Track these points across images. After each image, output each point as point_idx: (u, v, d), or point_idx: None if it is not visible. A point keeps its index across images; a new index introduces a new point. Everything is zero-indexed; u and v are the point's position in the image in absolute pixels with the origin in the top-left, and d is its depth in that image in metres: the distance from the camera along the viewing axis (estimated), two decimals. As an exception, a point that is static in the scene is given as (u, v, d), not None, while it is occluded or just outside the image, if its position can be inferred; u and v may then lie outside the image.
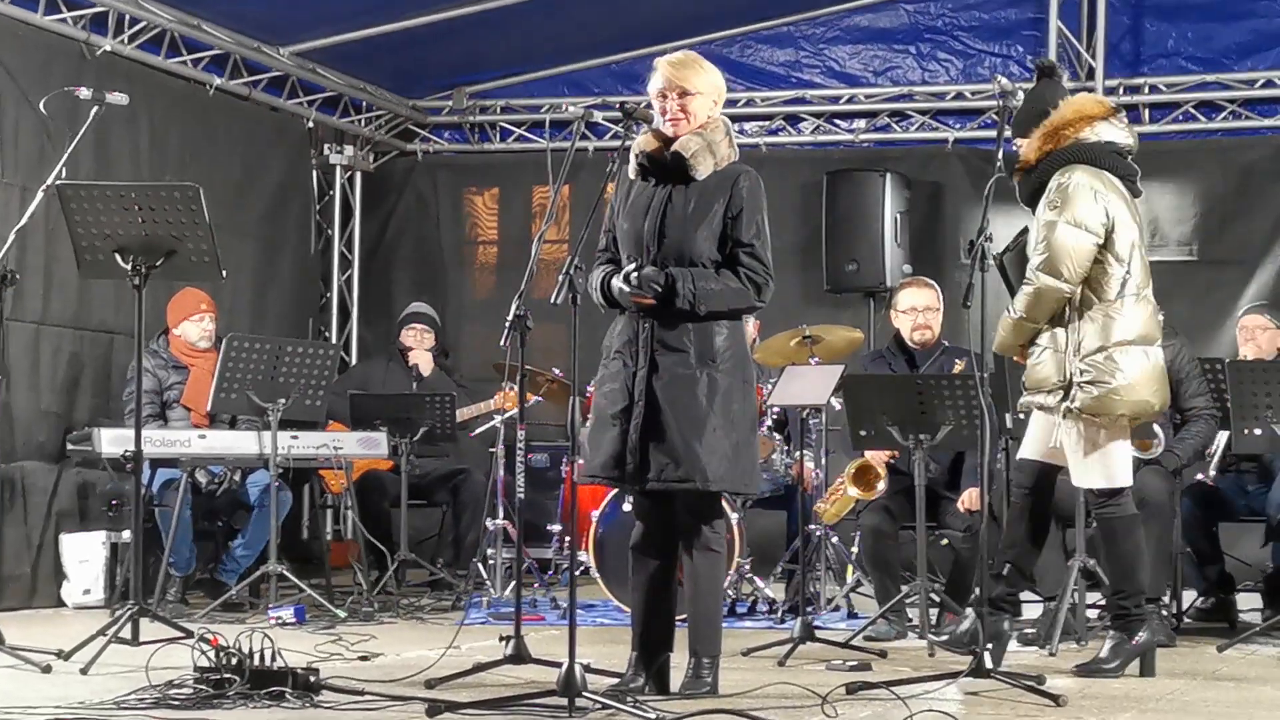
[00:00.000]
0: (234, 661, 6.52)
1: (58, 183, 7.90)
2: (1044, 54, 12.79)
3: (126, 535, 9.81)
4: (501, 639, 7.03)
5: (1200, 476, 9.61)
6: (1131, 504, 7.54)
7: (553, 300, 6.53)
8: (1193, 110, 12.76)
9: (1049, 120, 7.53)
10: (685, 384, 6.68)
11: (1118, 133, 7.53)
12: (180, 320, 10.40)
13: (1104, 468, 7.45)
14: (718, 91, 6.88)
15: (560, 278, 6.54)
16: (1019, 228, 12.41)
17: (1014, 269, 7.66)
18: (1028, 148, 7.59)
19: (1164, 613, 8.89)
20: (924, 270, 11.48)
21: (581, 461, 7.19)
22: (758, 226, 6.79)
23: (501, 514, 10.67)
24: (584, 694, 6.25)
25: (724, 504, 7.06)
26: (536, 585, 10.76)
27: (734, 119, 6.88)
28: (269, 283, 12.86)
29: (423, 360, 11.94)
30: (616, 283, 6.70)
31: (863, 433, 8.72)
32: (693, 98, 6.78)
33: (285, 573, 9.63)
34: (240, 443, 9.94)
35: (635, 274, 6.64)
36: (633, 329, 6.77)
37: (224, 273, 8.09)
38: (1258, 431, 8.29)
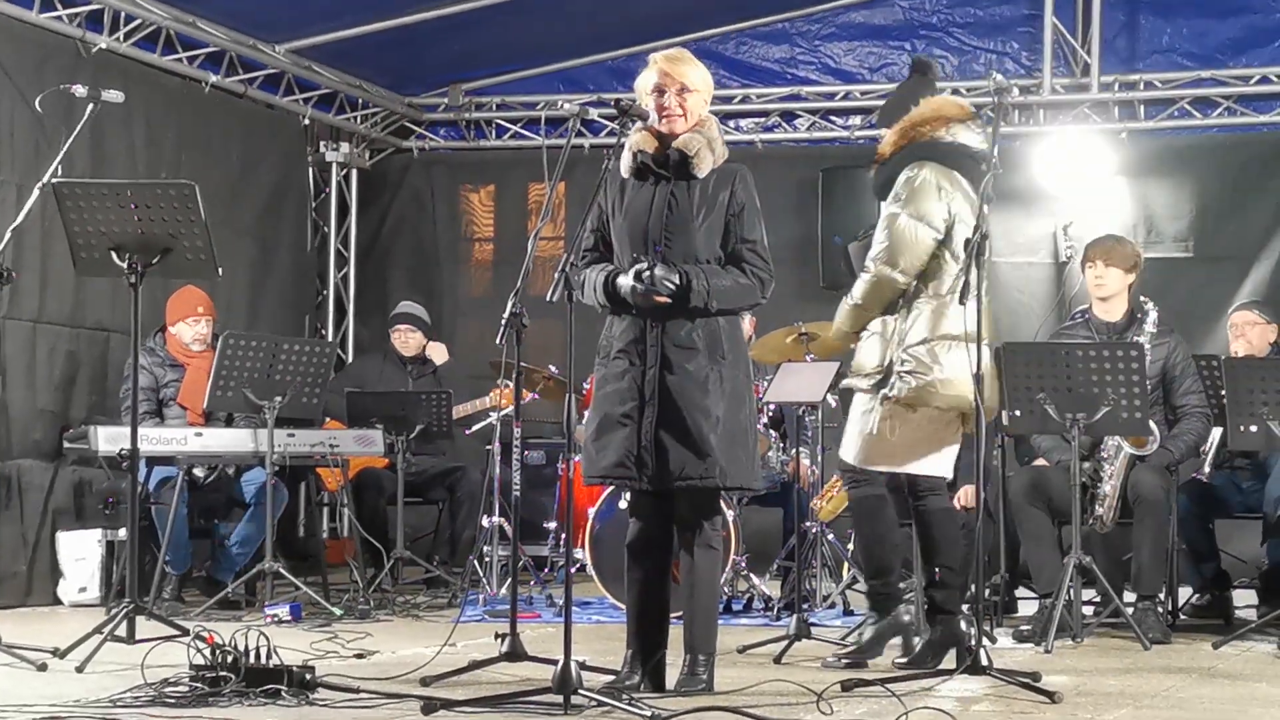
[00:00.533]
0: (230, 659, 6.52)
1: (53, 180, 7.89)
2: (1039, 51, 12.82)
3: (123, 533, 9.80)
4: (497, 636, 7.03)
5: (1196, 474, 9.62)
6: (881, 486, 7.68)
7: (549, 298, 6.52)
8: (1188, 106, 12.76)
9: (907, 117, 7.68)
10: (699, 381, 6.70)
11: (973, 137, 7.63)
12: (177, 320, 10.40)
13: (925, 455, 7.53)
14: (709, 89, 6.91)
15: (556, 275, 6.54)
16: (1017, 224, 12.48)
17: (858, 258, 7.79)
18: (885, 141, 7.76)
19: (1160, 609, 8.90)
20: (920, 267, 11.44)
21: (578, 460, 7.17)
22: (757, 223, 6.82)
23: (497, 511, 10.66)
24: (579, 691, 6.25)
25: (720, 501, 7.06)
26: (532, 583, 10.76)
27: (729, 116, 6.91)
28: (265, 280, 12.86)
29: (436, 354, 11.98)
30: (626, 281, 6.69)
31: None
32: (691, 94, 6.79)
33: (281, 570, 9.64)
34: (237, 440, 9.94)
35: (648, 273, 6.64)
36: (638, 328, 6.76)
37: (220, 270, 8.08)
38: (1254, 429, 8.29)
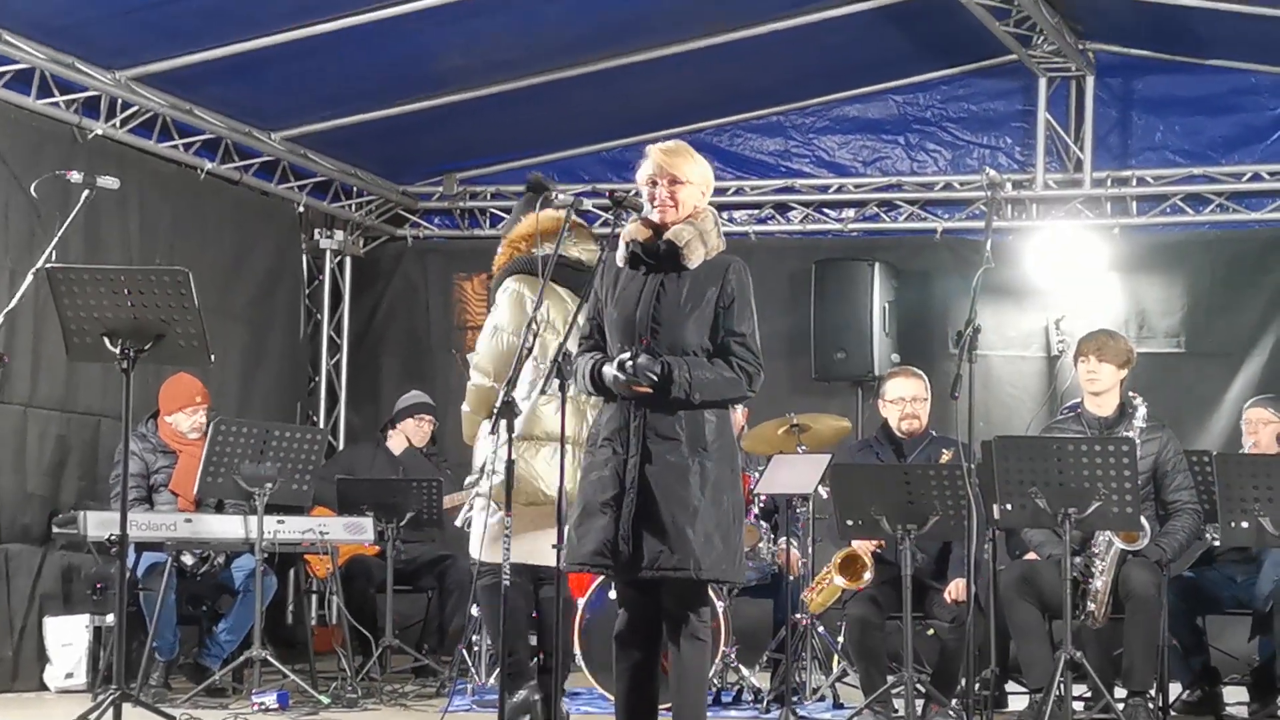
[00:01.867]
0: (216, 748, 6.49)
1: (48, 266, 7.90)
2: (1033, 146, 12.88)
3: (110, 619, 9.76)
4: (485, 727, 7.01)
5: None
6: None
7: (542, 389, 6.53)
8: (1180, 203, 12.81)
9: (511, 233, 8.37)
10: (678, 472, 6.66)
11: (567, 247, 7.99)
12: (174, 409, 10.39)
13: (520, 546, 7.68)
14: (706, 182, 6.90)
15: (547, 366, 6.54)
16: (1009, 318, 12.53)
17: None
18: (497, 259, 8.35)
19: (1151, 705, 8.86)
20: (912, 360, 11.48)
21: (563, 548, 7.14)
22: (748, 316, 6.81)
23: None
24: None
25: (710, 592, 7.03)
26: (521, 673, 10.69)
27: (723, 207, 6.92)
28: (257, 366, 12.86)
29: (416, 437, 11.99)
30: (610, 371, 6.70)
31: (850, 522, 8.71)
32: (682, 186, 6.80)
33: (269, 658, 9.58)
34: (226, 527, 9.91)
35: (631, 362, 6.64)
36: (623, 417, 6.75)
37: (212, 357, 8.08)
38: (1245, 524, 8.28)
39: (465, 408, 8.22)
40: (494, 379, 8.00)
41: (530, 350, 7.52)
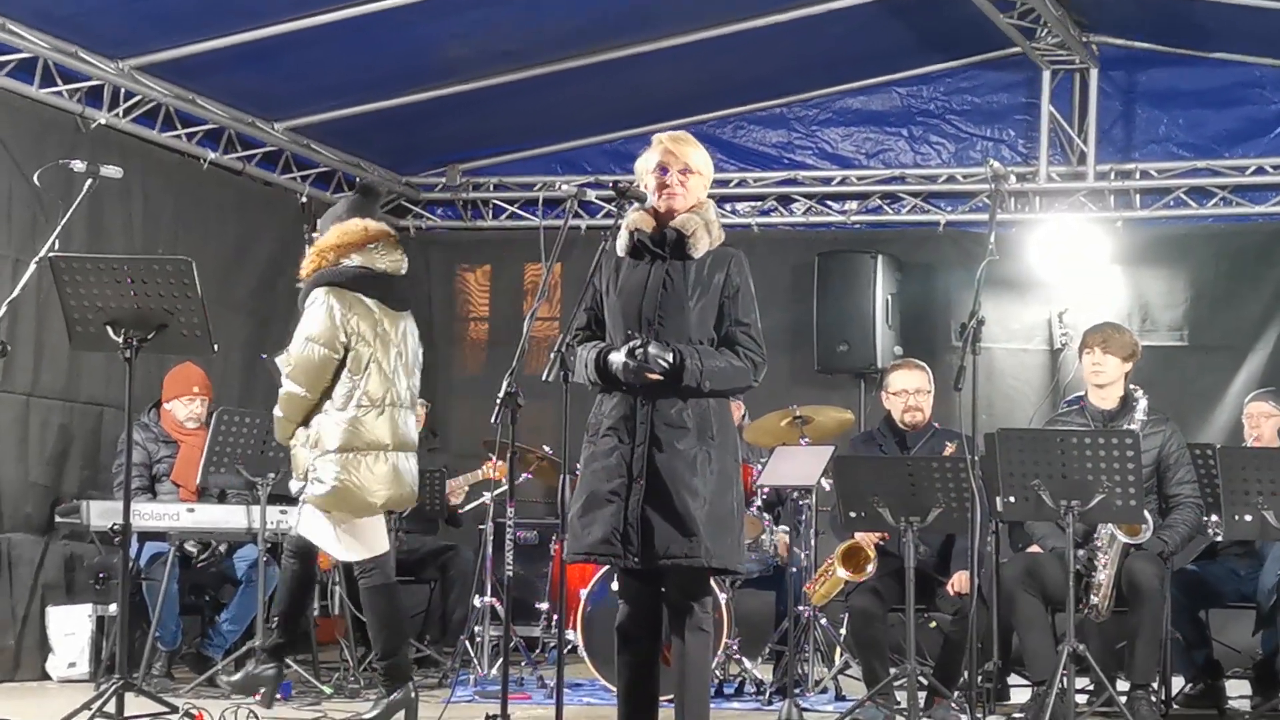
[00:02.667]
0: (219, 737, 6.49)
1: (50, 255, 7.89)
2: (1036, 139, 12.87)
3: (113, 609, 9.77)
4: (488, 718, 6.99)
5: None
6: (387, 572, 8.37)
7: (544, 378, 6.53)
8: (1184, 196, 12.79)
9: (318, 242, 8.35)
10: (687, 460, 6.66)
11: (374, 259, 8.19)
12: (172, 397, 10.40)
13: (356, 543, 8.22)
14: (710, 173, 6.93)
15: (552, 355, 6.54)
16: (1012, 310, 12.53)
17: (277, 372, 8.38)
18: (305, 262, 8.33)
19: (1153, 699, 8.86)
20: (915, 352, 11.47)
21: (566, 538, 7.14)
22: (751, 306, 6.81)
23: (489, 591, 10.63)
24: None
25: (713, 583, 7.02)
26: (523, 663, 10.71)
27: (726, 199, 6.92)
28: (260, 356, 12.84)
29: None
30: (618, 358, 6.68)
31: (853, 514, 8.70)
32: (693, 175, 6.82)
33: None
34: (229, 517, 9.91)
35: (641, 350, 6.63)
36: (628, 406, 6.74)
37: (215, 346, 8.08)
38: (1248, 518, 8.27)
39: (278, 412, 8.25)
40: (306, 389, 8.08)
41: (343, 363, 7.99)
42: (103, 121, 11.01)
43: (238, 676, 8.49)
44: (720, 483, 6.69)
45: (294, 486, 8.28)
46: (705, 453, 6.68)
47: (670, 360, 6.61)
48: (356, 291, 8.02)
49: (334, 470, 7.99)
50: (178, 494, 10.23)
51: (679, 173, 6.80)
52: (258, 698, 8.29)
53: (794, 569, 9.80)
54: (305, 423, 8.13)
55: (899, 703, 8.88)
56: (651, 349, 6.62)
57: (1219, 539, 9.52)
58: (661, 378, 6.63)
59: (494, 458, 10.55)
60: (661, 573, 6.71)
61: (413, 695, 8.18)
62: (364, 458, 8.04)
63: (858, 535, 9.27)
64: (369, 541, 8.26)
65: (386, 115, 12.59)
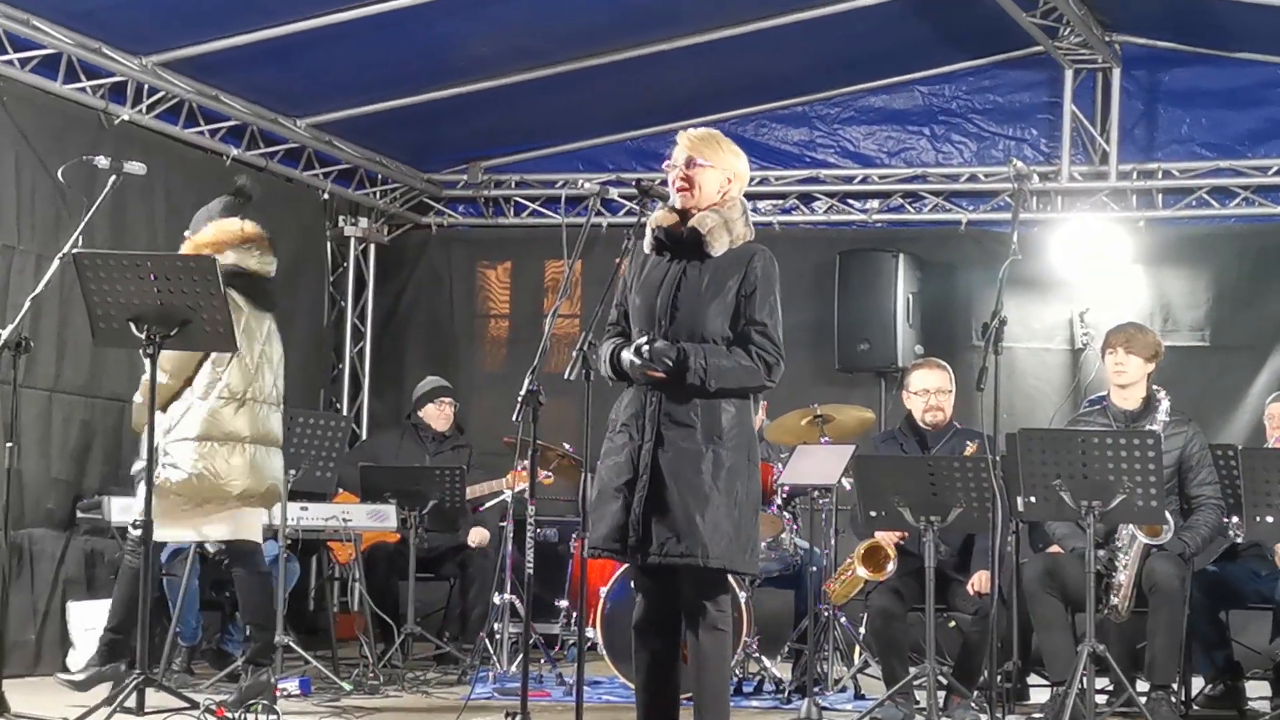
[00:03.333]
0: (239, 733, 6.50)
1: (74, 251, 7.92)
2: (1059, 138, 12.86)
3: (133, 604, 9.77)
4: (507, 715, 6.99)
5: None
6: (259, 561, 8.85)
7: (566, 376, 6.54)
8: (1206, 196, 12.77)
9: (194, 238, 8.73)
10: (690, 459, 6.65)
11: (246, 259, 8.54)
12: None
13: (229, 524, 8.57)
14: (732, 170, 6.87)
15: (574, 354, 6.55)
16: (1034, 310, 12.51)
17: None
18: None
19: (1173, 699, 8.85)
20: (936, 351, 11.47)
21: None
22: (770, 305, 6.77)
23: (509, 588, 10.64)
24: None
25: (731, 582, 7.01)
26: (543, 661, 10.72)
27: (747, 197, 6.88)
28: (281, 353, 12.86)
29: (439, 421, 11.98)
30: (627, 355, 6.69)
31: (873, 513, 8.70)
32: (700, 170, 6.78)
33: (291, 644, 9.59)
34: (249, 512, 9.92)
35: (647, 347, 6.63)
36: (640, 402, 6.74)
37: (237, 344, 8.10)
38: (1270, 519, 8.26)
39: (138, 398, 8.42)
40: (169, 376, 8.30)
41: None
42: (126, 118, 11.03)
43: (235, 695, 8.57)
44: (726, 482, 6.65)
45: (136, 468, 8.53)
46: (712, 452, 6.65)
47: (673, 358, 6.61)
48: (228, 287, 8.06)
49: (191, 457, 8.26)
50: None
51: (683, 167, 6.79)
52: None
53: (814, 568, 9.80)
54: (164, 409, 8.35)
55: (918, 702, 8.88)
56: (658, 346, 6.62)
57: (1239, 540, 9.50)
58: (665, 376, 6.63)
59: (517, 465, 10.56)
60: (675, 571, 6.70)
61: (268, 679, 8.58)
62: (221, 448, 8.34)
63: (878, 534, 9.26)
64: (246, 526, 8.66)
65: (408, 112, 12.61)
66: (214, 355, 8.24)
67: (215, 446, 8.32)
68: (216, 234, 8.62)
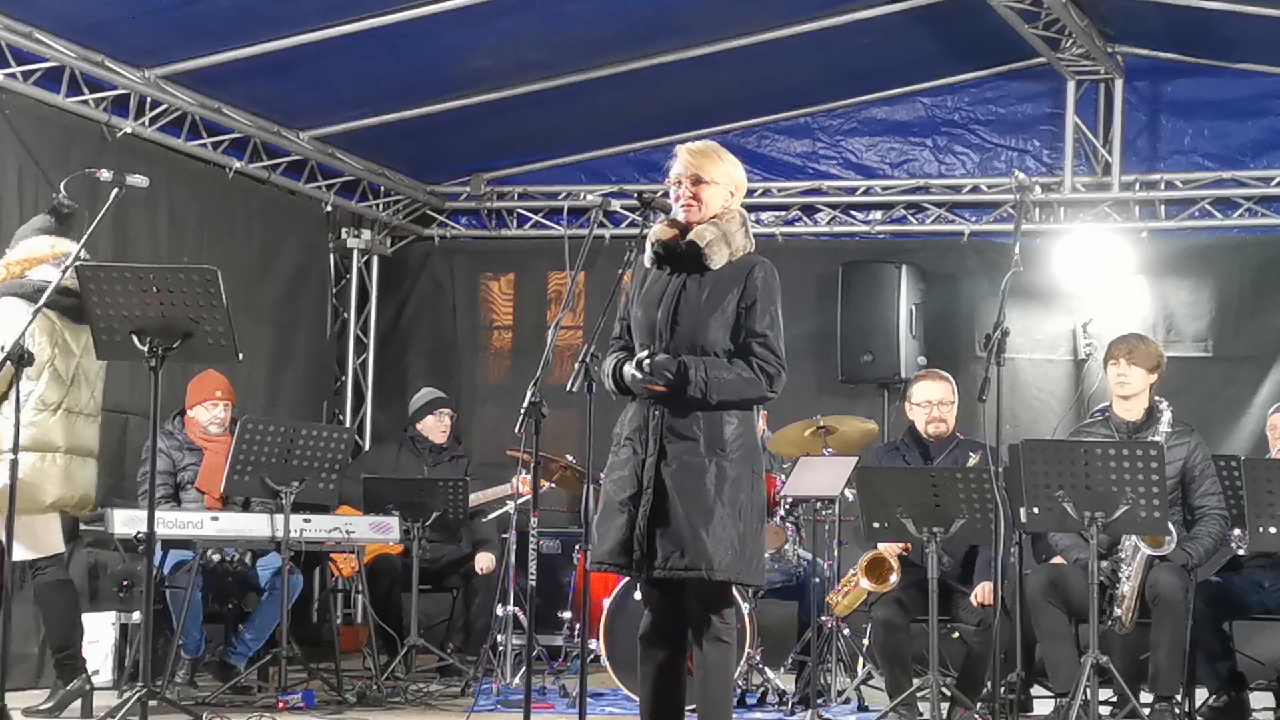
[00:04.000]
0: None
1: (77, 263, 7.92)
2: (1061, 149, 12.86)
3: (136, 616, 9.79)
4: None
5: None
6: (61, 570, 8.98)
7: (569, 388, 6.54)
8: (1209, 207, 12.77)
9: (6, 257, 8.85)
10: (694, 472, 6.65)
11: (55, 274, 8.30)
12: (195, 403, 10.42)
13: (28, 542, 8.64)
14: (734, 183, 6.88)
15: (576, 365, 6.55)
16: (1036, 321, 12.51)
17: None
18: None
19: (1177, 710, 8.84)
20: (939, 363, 11.47)
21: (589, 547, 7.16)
22: (771, 317, 6.77)
23: (512, 600, 10.63)
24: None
25: (735, 593, 7.01)
26: (546, 672, 10.71)
27: (750, 209, 6.90)
28: (284, 365, 12.88)
29: (437, 432, 11.96)
30: (628, 369, 6.69)
31: (876, 525, 8.70)
32: (706, 186, 6.79)
33: (295, 656, 9.59)
34: (252, 525, 9.92)
35: (648, 360, 6.63)
36: (643, 416, 6.75)
37: (240, 355, 8.10)
38: (1273, 529, 8.25)
39: None
40: None
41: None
42: (128, 130, 11.04)
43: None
44: (730, 495, 6.66)
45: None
46: (715, 465, 6.66)
47: (674, 371, 6.61)
48: (45, 306, 8.07)
49: (3, 468, 8.28)
50: (202, 501, 10.24)
51: (690, 184, 6.80)
52: None
53: (817, 579, 9.79)
54: None
55: (922, 713, 8.88)
56: (659, 359, 6.63)
57: (1241, 552, 9.49)
58: (665, 389, 6.63)
59: (523, 472, 10.56)
60: (681, 584, 6.71)
61: (87, 688, 8.74)
62: (32, 456, 8.41)
63: (881, 546, 9.26)
64: (45, 540, 8.77)
65: (411, 124, 12.62)
66: (29, 370, 8.12)
67: (28, 455, 8.32)
68: (26, 253, 8.79)
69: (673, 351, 6.69)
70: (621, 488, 6.73)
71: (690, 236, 6.79)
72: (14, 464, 7.87)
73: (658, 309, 6.79)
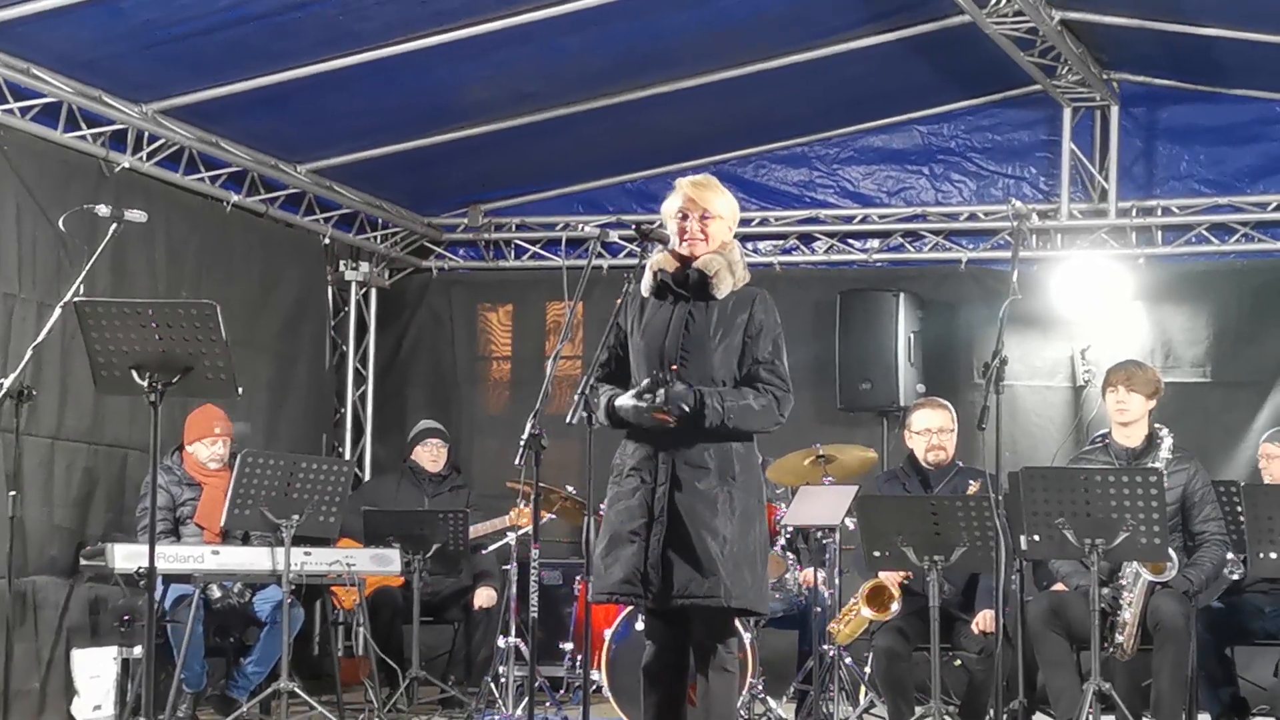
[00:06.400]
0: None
1: (75, 299, 7.93)
2: (1058, 176, 12.87)
3: (138, 651, 9.77)
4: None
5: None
6: None
7: (569, 420, 6.55)
8: (1206, 232, 12.78)
9: None
10: (708, 500, 6.68)
11: None
12: (194, 439, 10.42)
13: None
14: (734, 215, 6.96)
15: (575, 397, 6.56)
16: (1034, 348, 12.53)
17: None
18: None
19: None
20: (937, 390, 11.48)
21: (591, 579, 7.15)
22: (775, 344, 6.84)
23: (514, 631, 10.62)
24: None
25: (737, 623, 7.03)
26: (548, 704, 10.70)
27: (748, 238, 6.95)
28: (283, 398, 12.88)
29: (428, 462, 11.97)
30: (628, 402, 6.70)
31: (877, 553, 8.70)
32: (713, 220, 6.84)
33: (296, 690, 9.59)
34: (253, 559, 9.92)
35: (663, 391, 6.64)
36: (650, 446, 6.76)
37: (240, 389, 8.10)
38: (1274, 555, 8.26)
39: None
40: None
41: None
42: (126, 165, 11.05)
43: None
44: (742, 523, 6.70)
45: None
46: (727, 493, 6.69)
47: (691, 402, 6.63)
48: None
49: None
50: (202, 536, 10.24)
51: (699, 219, 6.83)
52: None
53: (818, 608, 9.79)
54: None
55: (924, 742, 8.88)
56: (676, 389, 6.64)
57: (1236, 577, 9.49)
58: (672, 422, 6.64)
59: (521, 504, 10.56)
60: (686, 613, 6.72)
61: None
62: None
63: (882, 574, 9.26)
64: None
65: (408, 156, 12.62)
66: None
67: None
68: None
69: (682, 380, 6.70)
70: (630, 518, 6.73)
71: (698, 265, 6.83)
72: (14, 499, 7.89)
73: (664, 338, 6.81)
